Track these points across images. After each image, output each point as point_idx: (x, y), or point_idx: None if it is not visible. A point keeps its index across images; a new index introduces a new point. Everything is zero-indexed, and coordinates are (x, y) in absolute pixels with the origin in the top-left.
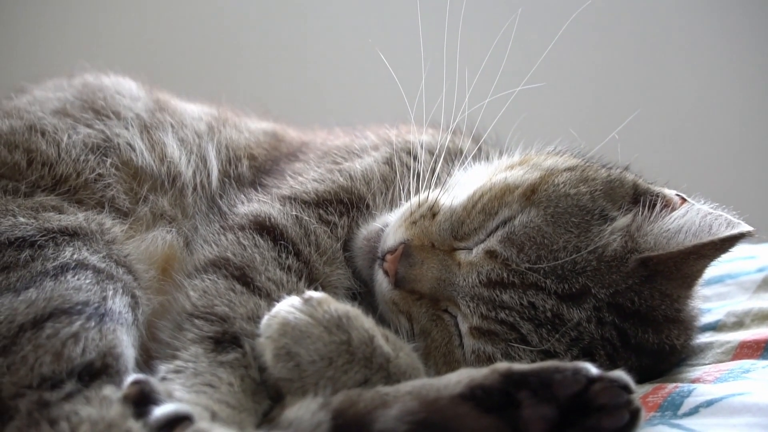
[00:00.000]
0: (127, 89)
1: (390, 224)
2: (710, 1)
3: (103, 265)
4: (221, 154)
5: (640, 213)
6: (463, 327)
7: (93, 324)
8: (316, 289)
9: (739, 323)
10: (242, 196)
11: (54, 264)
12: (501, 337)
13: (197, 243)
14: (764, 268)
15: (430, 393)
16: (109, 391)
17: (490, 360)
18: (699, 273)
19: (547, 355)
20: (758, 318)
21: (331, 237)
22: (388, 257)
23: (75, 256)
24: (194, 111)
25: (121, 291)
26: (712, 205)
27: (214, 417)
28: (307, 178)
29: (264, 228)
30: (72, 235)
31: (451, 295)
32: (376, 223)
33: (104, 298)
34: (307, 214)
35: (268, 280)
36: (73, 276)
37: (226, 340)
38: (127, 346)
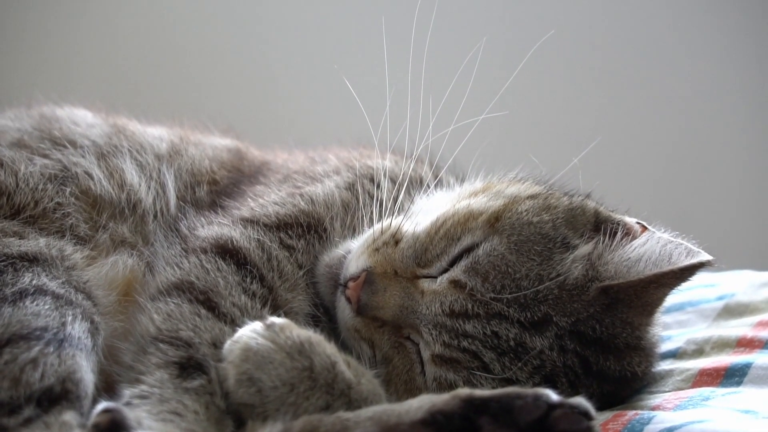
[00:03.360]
0: (81, 117)
1: (352, 251)
2: (669, 32)
3: (62, 291)
4: (181, 178)
5: (601, 241)
6: (425, 354)
7: (52, 349)
8: (279, 316)
9: (699, 351)
10: (202, 219)
11: (13, 290)
12: (463, 365)
13: (159, 265)
14: (724, 296)
15: (391, 418)
16: (69, 416)
17: (451, 387)
18: (659, 301)
19: (509, 382)
20: (718, 346)
21: (292, 263)
22: (351, 284)
23: (34, 282)
24: (154, 134)
25: (80, 317)
26: (672, 234)
27: None
28: (267, 200)
29: (227, 251)
30: (31, 260)
31: (414, 322)
32: (339, 250)
33: (63, 324)
34: (269, 238)
35: (232, 305)
36: (32, 302)
37: (191, 366)
38: (87, 372)
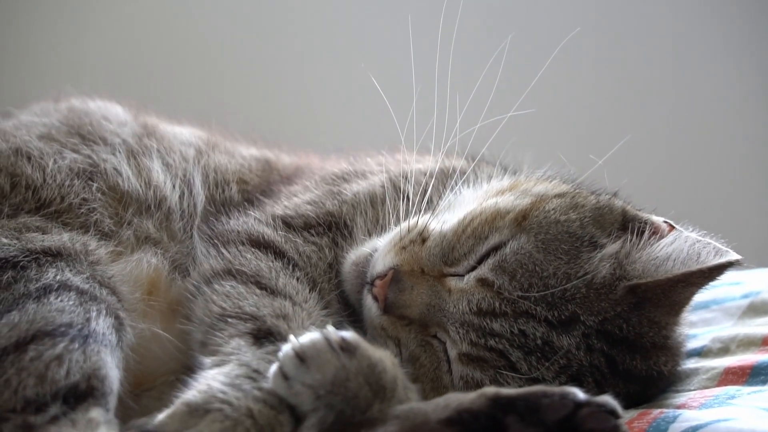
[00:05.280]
0: (113, 114)
1: (379, 249)
2: (700, 30)
3: (86, 286)
4: (209, 178)
5: (628, 240)
6: (452, 353)
7: (77, 346)
8: (324, 307)
9: (724, 349)
10: (236, 212)
11: (37, 285)
12: (490, 364)
13: (200, 257)
14: (750, 294)
15: (418, 416)
16: (95, 413)
17: (478, 386)
18: (687, 300)
19: (536, 382)
20: (743, 344)
21: (321, 259)
22: (378, 282)
23: (58, 277)
24: (183, 135)
25: (104, 312)
26: (700, 233)
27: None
28: (302, 200)
29: (260, 244)
30: (55, 255)
31: (441, 321)
32: (365, 248)
33: (88, 320)
34: (293, 234)
35: (284, 285)
36: (56, 297)
37: (263, 336)
38: (112, 368)
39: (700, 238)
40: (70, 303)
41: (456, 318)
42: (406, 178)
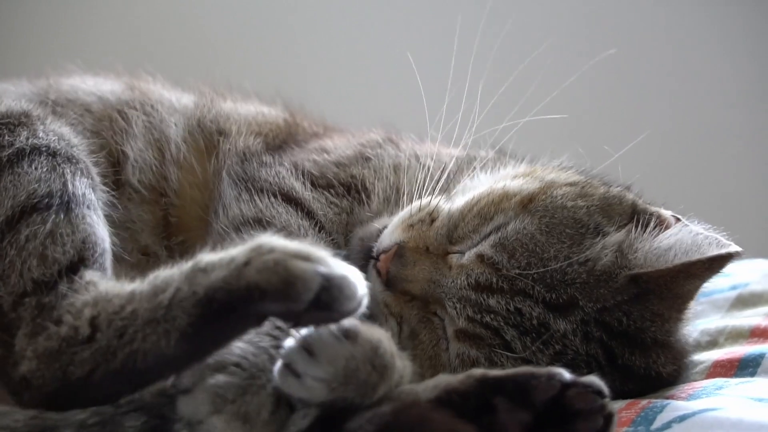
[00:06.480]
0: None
1: (389, 226)
2: (721, 28)
3: (58, 147)
4: (205, 126)
5: (633, 230)
6: (450, 330)
7: (62, 216)
8: None
9: (713, 342)
10: (268, 161)
11: (8, 152)
12: (485, 342)
13: (230, 198)
14: (738, 286)
15: (409, 396)
16: (90, 275)
17: (474, 365)
18: (690, 294)
19: (530, 364)
20: (732, 336)
21: (341, 223)
22: (382, 257)
23: (30, 141)
24: (179, 97)
25: (80, 173)
26: (705, 226)
27: None
28: (332, 158)
29: (291, 199)
30: (26, 116)
31: (440, 296)
32: (375, 225)
33: (64, 184)
34: (317, 193)
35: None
36: (30, 165)
37: None
38: (99, 226)
39: (703, 230)
40: (44, 170)
41: (454, 293)
42: (432, 158)
